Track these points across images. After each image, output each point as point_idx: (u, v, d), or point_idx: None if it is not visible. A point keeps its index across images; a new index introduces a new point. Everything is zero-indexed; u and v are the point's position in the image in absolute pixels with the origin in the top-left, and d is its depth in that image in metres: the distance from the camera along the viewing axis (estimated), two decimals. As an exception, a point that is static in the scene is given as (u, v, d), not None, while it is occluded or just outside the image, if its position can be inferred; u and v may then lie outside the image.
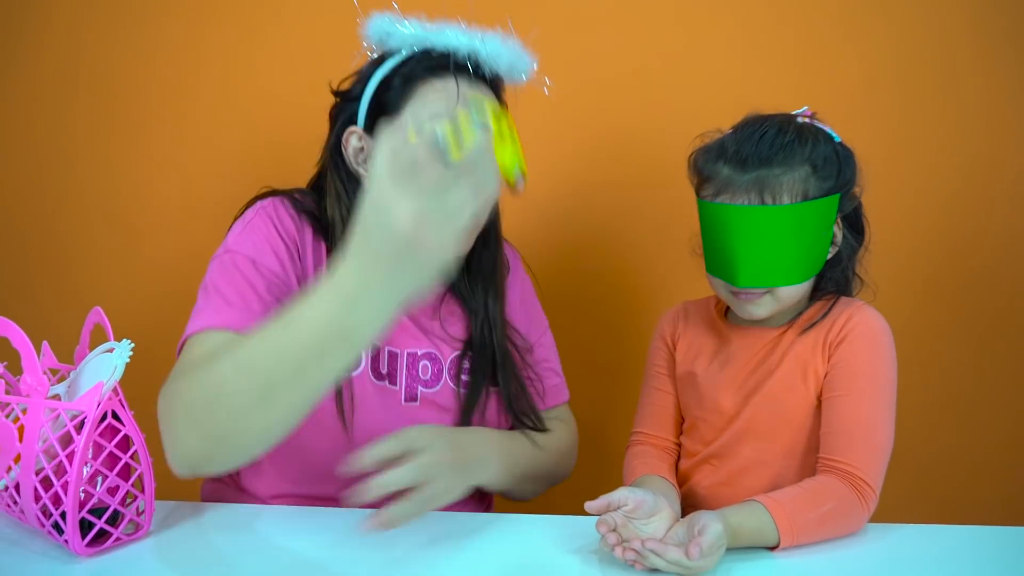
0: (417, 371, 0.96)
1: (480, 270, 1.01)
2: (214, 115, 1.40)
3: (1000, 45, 1.29)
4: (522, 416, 1.00)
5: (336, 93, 0.96)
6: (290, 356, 0.64)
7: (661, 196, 1.36)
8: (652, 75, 1.36)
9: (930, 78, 1.31)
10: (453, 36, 0.90)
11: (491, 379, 0.99)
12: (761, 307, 0.93)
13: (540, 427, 1.02)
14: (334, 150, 0.95)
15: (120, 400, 0.77)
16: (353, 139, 0.93)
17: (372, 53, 0.95)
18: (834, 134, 0.94)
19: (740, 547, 0.77)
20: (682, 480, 1.00)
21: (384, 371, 0.94)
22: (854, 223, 0.97)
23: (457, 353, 0.99)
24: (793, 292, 0.92)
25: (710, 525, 0.73)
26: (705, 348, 1.01)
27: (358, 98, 0.92)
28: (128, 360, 0.78)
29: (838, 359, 0.90)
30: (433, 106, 0.89)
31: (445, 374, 0.97)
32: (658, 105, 1.36)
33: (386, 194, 0.58)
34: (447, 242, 0.58)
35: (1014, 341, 1.34)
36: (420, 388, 0.96)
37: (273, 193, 0.97)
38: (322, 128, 0.99)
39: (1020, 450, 1.35)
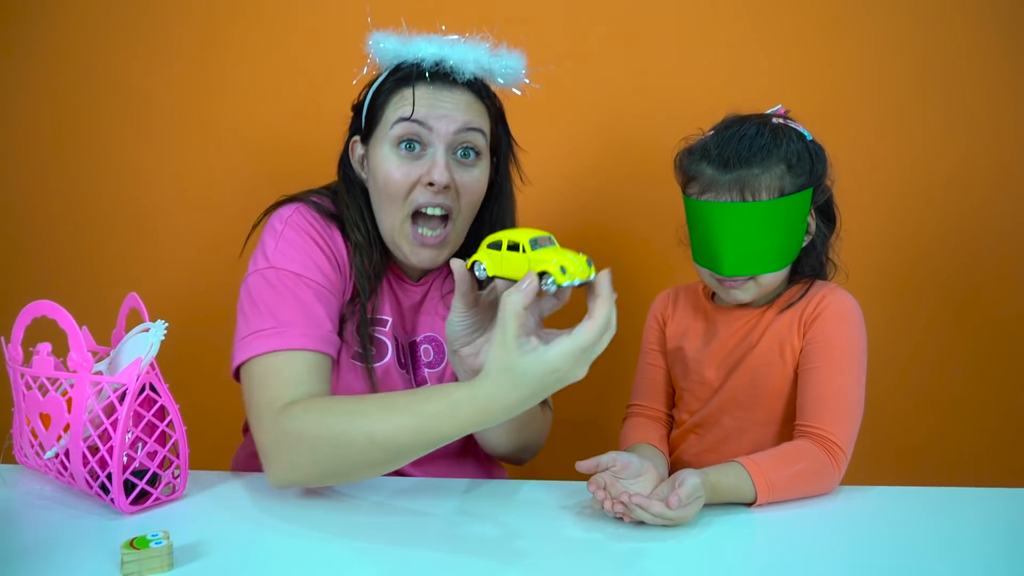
0: (419, 354, 1.04)
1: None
2: (235, 115, 1.48)
3: (983, 42, 1.37)
4: None
5: (354, 107, 1.05)
6: (425, 443, 0.77)
7: (650, 191, 1.43)
8: (642, 74, 1.43)
9: (911, 76, 1.39)
10: (421, 47, 0.96)
11: None
12: (745, 292, 1.01)
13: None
14: (344, 159, 1.05)
15: (157, 374, 0.85)
16: (357, 147, 1.02)
17: (376, 68, 1.02)
18: (806, 132, 1.01)
19: (720, 503, 0.85)
20: (671, 448, 1.09)
21: (404, 360, 1.03)
22: (826, 212, 1.04)
23: None
24: (773, 278, 1.00)
25: (688, 479, 0.81)
26: (693, 327, 1.09)
27: (359, 112, 1.02)
28: (163, 338, 0.86)
29: (813, 335, 0.98)
30: (401, 111, 0.95)
31: (447, 354, 1.03)
32: (648, 102, 1.44)
33: (573, 372, 0.70)
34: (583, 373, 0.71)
35: (988, 325, 1.42)
36: (426, 370, 1.04)
37: (292, 199, 1.01)
38: (333, 128, 1.07)
39: (980, 414, 1.44)
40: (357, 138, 1.02)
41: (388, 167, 0.96)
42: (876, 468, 1.32)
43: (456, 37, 0.98)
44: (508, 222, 1.06)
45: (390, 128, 0.96)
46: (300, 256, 0.94)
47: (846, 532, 0.81)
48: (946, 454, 1.45)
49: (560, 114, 1.45)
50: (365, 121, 1.00)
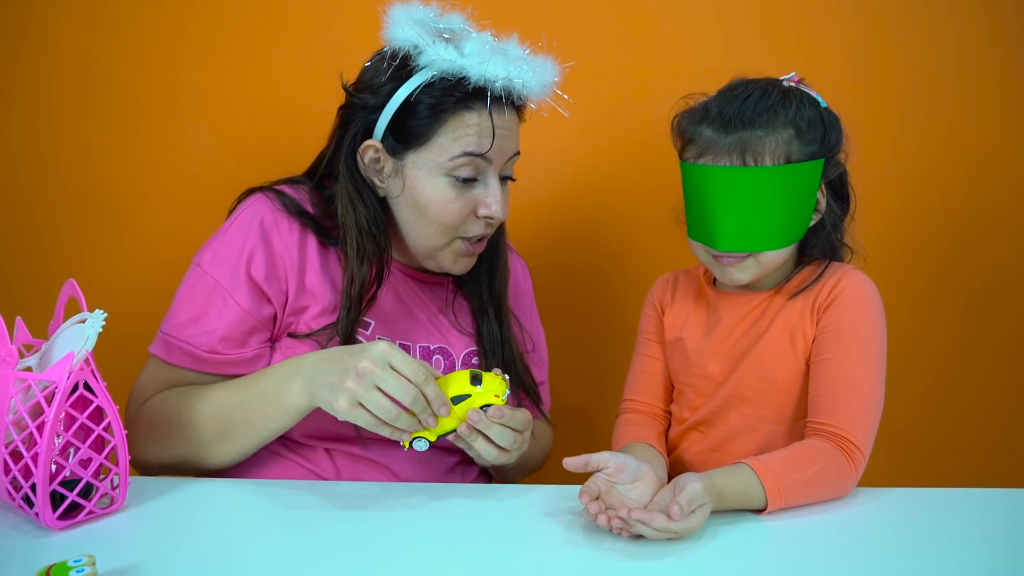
0: (429, 364, 0.94)
1: (488, 271, 1.01)
2: (192, 98, 1.38)
3: (989, 17, 1.28)
4: (528, 393, 1.01)
5: (351, 94, 0.93)
6: (243, 411, 0.85)
7: (646, 174, 1.35)
8: (638, 53, 1.34)
9: (916, 50, 1.29)
10: (488, 65, 0.86)
11: (501, 368, 0.98)
12: (743, 272, 0.91)
13: (538, 404, 1.03)
14: (348, 156, 0.93)
15: (92, 371, 0.75)
16: (371, 152, 0.92)
17: (390, 57, 0.89)
18: (820, 99, 0.92)
19: (728, 510, 0.76)
20: (670, 447, 0.99)
21: None
22: (839, 191, 0.95)
23: (469, 349, 0.99)
24: (775, 257, 0.91)
25: (688, 484, 0.71)
26: (694, 315, 1.00)
27: (378, 109, 0.90)
28: (101, 330, 0.76)
29: (826, 323, 0.89)
30: (464, 142, 0.88)
31: (458, 367, 0.97)
32: (642, 80, 1.34)
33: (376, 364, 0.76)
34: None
35: (1003, 310, 1.33)
36: None
37: (260, 189, 0.95)
38: (312, 122, 0.97)
39: (1007, 414, 1.35)
40: (375, 143, 0.91)
41: (444, 199, 0.90)
42: (891, 466, 1.23)
43: (517, 49, 0.90)
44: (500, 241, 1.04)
45: (449, 159, 0.88)
46: (232, 263, 0.90)
47: (866, 540, 0.73)
48: (969, 452, 1.36)
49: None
50: (399, 132, 0.89)
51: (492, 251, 1.00)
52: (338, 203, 0.93)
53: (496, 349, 0.99)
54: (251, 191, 0.96)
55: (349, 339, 0.89)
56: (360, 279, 0.90)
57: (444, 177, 0.89)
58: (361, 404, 0.76)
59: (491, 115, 0.88)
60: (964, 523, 0.76)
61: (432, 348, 0.97)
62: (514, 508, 0.81)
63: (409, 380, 0.76)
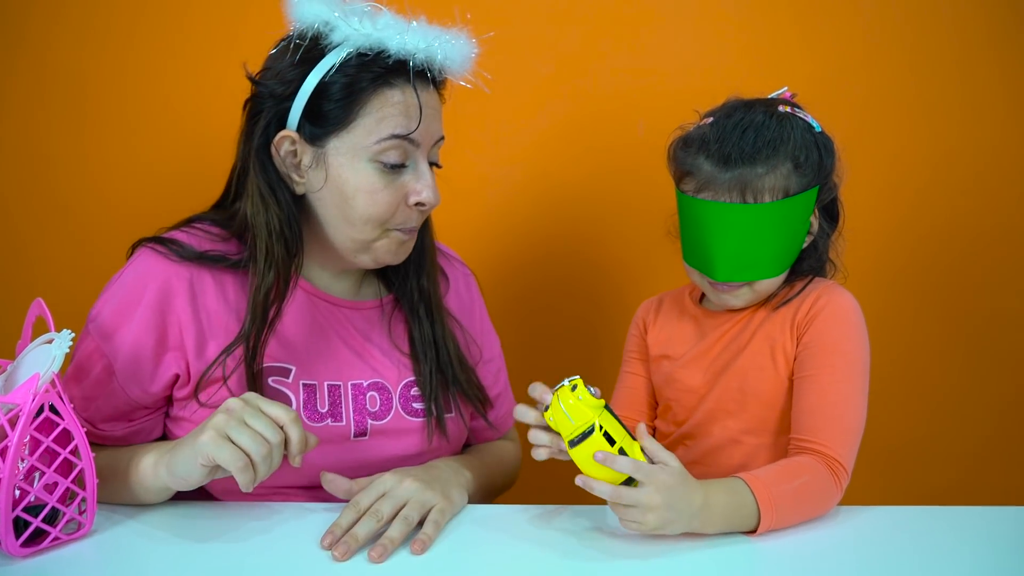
0: (364, 403, 0.89)
1: (416, 269, 0.95)
2: (162, 107, 1.35)
3: (977, 31, 1.28)
4: (472, 400, 0.96)
5: (257, 84, 0.86)
6: (134, 491, 0.82)
7: (632, 186, 1.34)
8: (619, 61, 1.33)
9: (903, 64, 1.30)
10: (408, 35, 0.81)
11: (442, 389, 0.93)
12: (738, 298, 0.91)
13: (485, 411, 0.98)
14: (260, 151, 0.85)
15: (59, 393, 0.73)
16: (286, 143, 0.84)
17: (298, 38, 0.83)
18: (814, 122, 0.91)
19: (717, 531, 0.75)
20: (655, 461, 0.98)
21: (325, 408, 0.88)
22: (829, 208, 0.95)
23: (406, 381, 0.92)
24: (770, 284, 0.91)
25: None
26: (677, 332, 0.99)
27: (289, 96, 0.83)
28: (68, 351, 0.74)
29: (808, 339, 0.88)
30: (390, 123, 0.82)
31: (396, 403, 0.91)
32: (626, 89, 1.33)
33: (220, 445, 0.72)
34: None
35: (986, 325, 1.34)
36: (369, 421, 0.89)
37: (152, 240, 0.88)
38: None
39: (989, 431, 1.35)
40: (291, 134, 0.84)
41: (372, 187, 0.84)
42: (876, 482, 1.23)
43: (428, 25, 0.84)
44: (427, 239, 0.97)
45: (375, 142, 0.82)
46: (116, 322, 0.84)
47: (849, 559, 0.72)
48: (957, 469, 1.36)
49: (527, 104, 1.34)
50: (315, 118, 0.83)
51: (419, 247, 0.93)
52: (247, 204, 0.85)
53: (429, 351, 0.92)
54: (140, 242, 0.89)
55: (255, 353, 0.83)
56: (267, 286, 0.83)
57: (370, 163, 0.83)
58: (228, 438, 0.71)
59: (416, 90, 0.83)
60: (949, 541, 0.76)
61: (365, 384, 0.90)
62: (487, 528, 0.79)
63: (276, 421, 0.73)
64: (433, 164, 0.89)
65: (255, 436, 0.71)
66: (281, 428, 0.73)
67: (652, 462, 0.73)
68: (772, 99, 0.92)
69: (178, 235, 0.89)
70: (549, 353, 1.34)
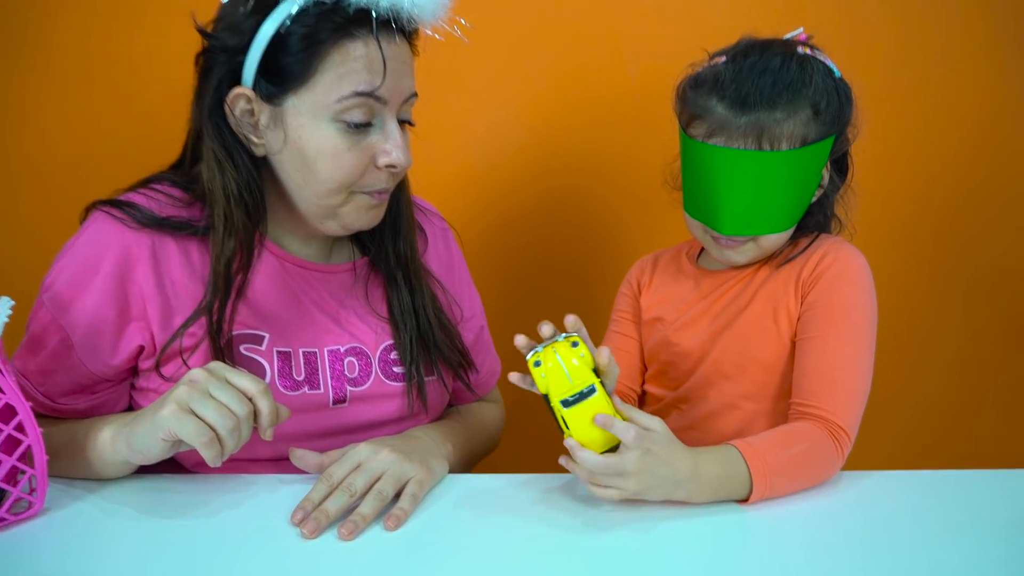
0: (342, 369, 0.84)
1: (392, 233, 0.89)
2: (117, 59, 1.27)
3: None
4: (453, 367, 0.91)
5: (208, 36, 0.78)
6: (94, 466, 0.76)
7: (625, 138, 1.27)
8: (608, 2, 1.25)
9: (910, 19, 1.22)
10: None
11: (423, 355, 0.88)
12: (742, 255, 0.86)
13: (467, 375, 0.93)
14: (214, 110, 0.78)
15: (1, 363, 0.67)
16: (241, 102, 0.77)
17: None
18: (834, 67, 0.84)
19: (709, 500, 0.71)
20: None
21: (301, 376, 0.82)
22: (839, 161, 0.89)
23: (385, 344, 0.87)
24: (776, 240, 0.85)
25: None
26: (674, 293, 0.94)
27: (243, 49, 0.76)
28: (8, 320, 0.68)
29: (813, 299, 0.83)
30: (352, 80, 0.74)
31: (376, 368, 0.86)
32: (616, 35, 1.25)
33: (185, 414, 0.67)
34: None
35: (994, 289, 1.29)
36: (348, 388, 0.84)
37: (107, 203, 0.81)
38: None
39: (1003, 392, 1.31)
40: (246, 91, 0.76)
41: (335, 149, 0.76)
42: (878, 448, 1.19)
43: None
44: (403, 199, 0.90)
45: (336, 100, 0.75)
46: (72, 293, 0.78)
47: (853, 526, 0.68)
48: (962, 432, 1.32)
49: (509, 52, 1.26)
50: (272, 73, 0.75)
51: (395, 210, 0.87)
52: (203, 168, 0.79)
53: (408, 320, 0.87)
54: (94, 205, 0.82)
55: (220, 325, 0.78)
56: (227, 255, 0.78)
57: (332, 123, 0.76)
58: (192, 411, 0.66)
59: (379, 43, 0.75)
60: (954, 506, 0.72)
61: (342, 350, 0.85)
62: (472, 497, 0.75)
63: (244, 393, 0.68)
64: (404, 122, 0.81)
65: (220, 408, 0.66)
66: (250, 400, 0.68)
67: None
68: (789, 40, 0.85)
69: (136, 198, 0.81)
70: (537, 312, 1.28)
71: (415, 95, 0.81)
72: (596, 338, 0.99)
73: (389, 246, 0.88)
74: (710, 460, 0.70)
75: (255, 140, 0.79)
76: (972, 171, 1.26)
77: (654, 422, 0.69)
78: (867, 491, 0.75)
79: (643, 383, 0.97)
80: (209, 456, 0.66)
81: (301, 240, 0.87)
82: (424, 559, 0.64)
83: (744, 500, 0.71)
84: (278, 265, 0.85)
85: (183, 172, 0.84)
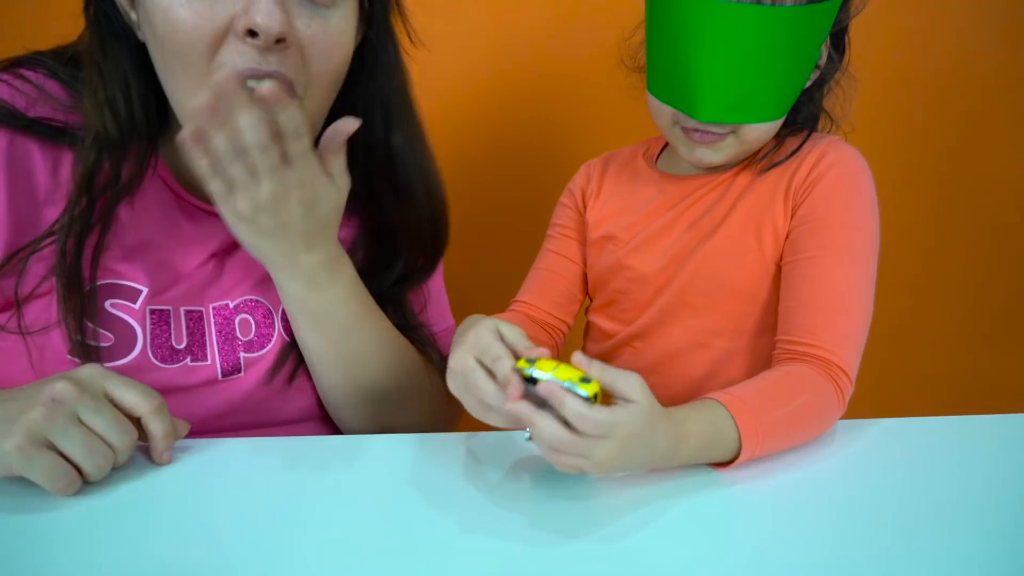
0: (233, 330, 0.67)
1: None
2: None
3: None
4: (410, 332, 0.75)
5: None
6: None
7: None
8: None
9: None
10: None
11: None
12: (719, 152, 0.68)
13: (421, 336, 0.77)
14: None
15: None
16: None
17: None
18: None
19: (688, 463, 0.55)
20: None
21: (182, 344, 0.65)
22: (836, 37, 0.71)
23: None
24: (763, 134, 0.68)
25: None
26: (629, 205, 0.77)
27: None
28: None
29: (806, 211, 0.67)
30: None
31: (278, 326, 0.69)
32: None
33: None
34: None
35: (1000, 209, 1.17)
36: (242, 354, 0.68)
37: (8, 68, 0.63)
38: None
39: (1012, 322, 1.21)
40: None
41: (169, 4, 0.56)
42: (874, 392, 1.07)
43: None
44: (394, 106, 0.70)
45: None
46: None
47: (855, 479, 0.56)
48: (964, 369, 1.22)
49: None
50: None
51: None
52: (88, 70, 0.61)
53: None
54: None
55: (77, 268, 0.60)
56: (86, 168, 0.60)
57: None
58: (46, 443, 0.49)
59: None
60: (961, 452, 0.60)
61: (231, 306, 0.68)
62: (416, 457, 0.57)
63: (129, 413, 0.53)
64: None
65: (90, 442, 0.50)
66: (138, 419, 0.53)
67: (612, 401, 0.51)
68: None
69: (28, 68, 0.63)
70: (474, 243, 1.10)
71: None
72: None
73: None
74: (694, 430, 0.53)
75: (133, 18, 0.60)
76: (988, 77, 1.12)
77: (634, 389, 0.50)
78: (870, 441, 0.61)
79: (588, 313, 0.80)
80: (59, 492, 0.50)
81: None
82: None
83: (722, 463, 0.56)
84: (171, 201, 0.67)
85: (71, 59, 0.64)
